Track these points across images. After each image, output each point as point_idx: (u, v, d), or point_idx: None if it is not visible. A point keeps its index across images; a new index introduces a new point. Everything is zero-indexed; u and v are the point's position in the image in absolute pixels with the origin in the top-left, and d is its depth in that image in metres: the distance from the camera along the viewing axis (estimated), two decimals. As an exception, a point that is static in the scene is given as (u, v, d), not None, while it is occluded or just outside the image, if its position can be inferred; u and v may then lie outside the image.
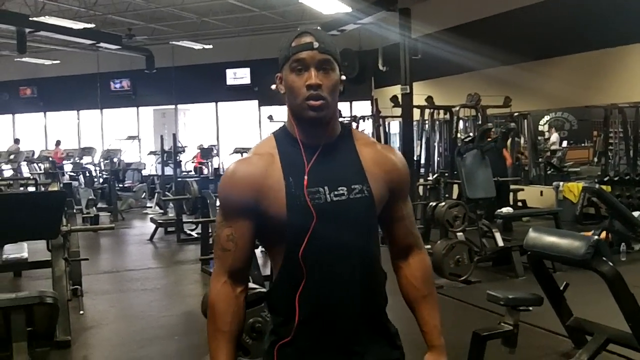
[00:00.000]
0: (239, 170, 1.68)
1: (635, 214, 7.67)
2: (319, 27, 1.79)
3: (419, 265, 1.83)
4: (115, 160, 16.44)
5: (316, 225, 1.61)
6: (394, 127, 14.55)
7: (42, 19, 14.37)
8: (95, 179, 15.67)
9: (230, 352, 1.68)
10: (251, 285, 3.90)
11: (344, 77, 1.71)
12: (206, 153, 17.59)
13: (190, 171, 17.34)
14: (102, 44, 17.76)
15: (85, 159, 17.83)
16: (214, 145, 18.96)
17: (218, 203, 1.72)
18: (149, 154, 18.50)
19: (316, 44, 1.64)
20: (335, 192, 1.65)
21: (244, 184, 1.65)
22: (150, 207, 14.23)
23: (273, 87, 1.71)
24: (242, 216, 1.67)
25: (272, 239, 1.69)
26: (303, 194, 1.62)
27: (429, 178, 10.65)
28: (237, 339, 1.69)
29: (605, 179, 9.76)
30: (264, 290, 2.52)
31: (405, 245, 1.83)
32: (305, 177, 1.63)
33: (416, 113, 10.97)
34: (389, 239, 1.85)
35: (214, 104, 21.12)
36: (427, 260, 1.86)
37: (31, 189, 10.75)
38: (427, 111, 11.73)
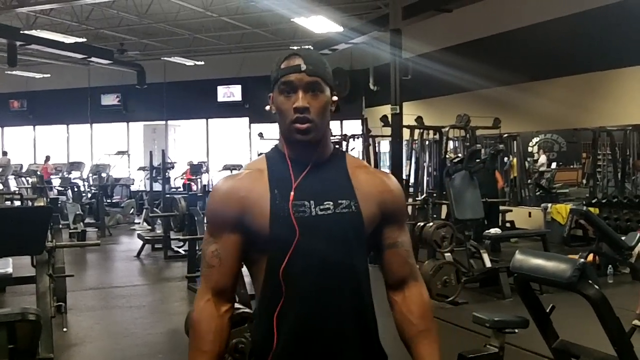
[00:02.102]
0: (225, 186, 1.68)
1: (623, 237, 7.69)
2: (311, 47, 1.78)
3: (416, 299, 1.73)
4: (103, 175, 16.37)
5: (299, 239, 1.58)
6: (384, 146, 14.59)
7: (33, 32, 14.38)
8: (84, 194, 15.59)
9: None
10: (236, 305, 3.87)
11: (335, 98, 1.70)
12: (196, 169, 17.57)
13: (179, 187, 17.28)
14: (93, 59, 17.77)
15: (74, 174, 17.74)
16: (204, 162, 18.94)
17: (206, 220, 1.71)
18: (138, 170, 18.44)
19: (304, 67, 1.63)
20: (321, 207, 1.62)
21: (229, 199, 1.65)
22: (138, 223, 14.15)
23: (267, 107, 1.70)
24: (228, 232, 1.65)
25: (255, 255, 1.66)
26: (287, 207, 1.60)
27: (417, 198, 10.66)
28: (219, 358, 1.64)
29: (593, 201, 9.80)
30: (248, 310, 2.49)
31: (401, 276, 1.74)
32: (292, 193, 1.61)
33: (406, 133, 11.00)
34: (383, 268, 1.76)
35: (204, 120, 21.12)
36: (425, 293, 1.76)
37: (17, 203, 10.67)
38: (416, 131, 11.76)
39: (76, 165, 18.37)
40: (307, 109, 1.61)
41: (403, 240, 1.75)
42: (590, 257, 7.37)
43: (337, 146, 1.74)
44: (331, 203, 1.63)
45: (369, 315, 1.67)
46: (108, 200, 15.19)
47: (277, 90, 1.66)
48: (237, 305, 3.85)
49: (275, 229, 1.59)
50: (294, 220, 1.58)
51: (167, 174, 13.58)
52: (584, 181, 12.63)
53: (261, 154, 1.81)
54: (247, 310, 2.60)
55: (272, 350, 1.59)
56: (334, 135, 13.81)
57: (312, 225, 1.60)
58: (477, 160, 7.55)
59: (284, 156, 1.68)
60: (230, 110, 19.97)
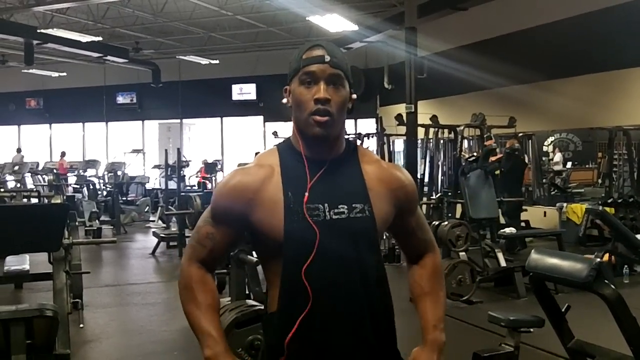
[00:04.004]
0: (235, 179, 1.65)
1: (639, 236, 7.63)
2: (331, 41, 1.75)
3: (428, 266, 1.84)
4: (119, 173, 16.46)
5: (320, 242, 1.56)
6: (399, 145, 14.56)
7: (49, 31, 14.48)
8: (99, 192, 15.68)
9: (219, 322, 1.69)
10: (250, 302, 3.90)
11: (354, 96, 1.67)
12: (210, 168, 17.61)
13: (194, 186, 17.35)
14: (109, 57, 17.90)
15: (90, 172, 17.86)
16: (218, 160, 18.99)
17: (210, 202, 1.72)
18: (153, 168, 18.54)
19: (327, 58, 1.60)
20: (336, 210, 1.60)
21: (236, 194, 1.63)
22: (153, 221, 14.20)
23: (284, 101, 1.66)
24: (227, 224, 1.66)
25: (268, 256, 1.65)
26: (302, 209, 1.57)
27: (432, 197, 10.63)
28: (219, 313, 1.72)
29: (609, 200, 9.71)
30: (262, 307, 2.51)
31: (417, 253, 1.85)
32: (306, 194, 1.59)
33: (421, 132, 10.99)
34: (402, 248, 1.88)
35: (219, 118, 21.19)
36: (437, 261, 1.87)
37: (34, 200, 10.77)
38: (431, 130, 11.74)
39: (92, 163, 18.50)
40: (328, 101, 1.58)
41: (419, 222, 1.82)
42: (606, 257, 7.32)
43: (349, 138, 1.73)
44: (345, 207, 1.61)
45: (389, 314, 1.69)
46: (123, 198, 15.26)
47: (297, 80, 1.61)
48: (252, 302, 3.89)
49: (291, 233, 1.57)
50: (312, 223, 1.57)
51: (182, 172, 13.63)
52: (600, 181, 12.54)
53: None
54: (261, 307, 2.62)
55: (289, 352, 1.59)
56: (349, 134, 13.82)
57: (327, 230, 1.58)
58: (492, 160, 7.53)
59: (298, 153, 1.64)
60: (244, 108, 20.02)
